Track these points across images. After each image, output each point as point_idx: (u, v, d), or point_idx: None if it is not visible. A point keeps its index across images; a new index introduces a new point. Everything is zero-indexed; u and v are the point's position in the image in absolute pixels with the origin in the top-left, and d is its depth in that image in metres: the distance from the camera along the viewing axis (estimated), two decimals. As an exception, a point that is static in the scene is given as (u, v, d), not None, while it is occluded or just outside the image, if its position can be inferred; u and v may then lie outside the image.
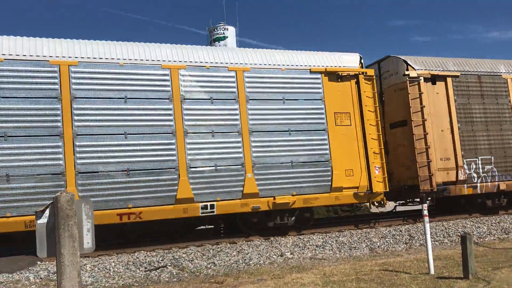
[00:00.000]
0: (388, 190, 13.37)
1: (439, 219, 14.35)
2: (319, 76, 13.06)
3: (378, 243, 11.72)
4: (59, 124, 10.66)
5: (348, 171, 12.98)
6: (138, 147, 11.18)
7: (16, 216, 10.14)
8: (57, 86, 10.79)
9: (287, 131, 12.53)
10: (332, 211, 19.43)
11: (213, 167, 11.70)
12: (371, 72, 13.70)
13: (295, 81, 12.85)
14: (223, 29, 47.98)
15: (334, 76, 13.21)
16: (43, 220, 3.69)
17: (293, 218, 12.62)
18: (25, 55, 10.71)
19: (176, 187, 11.32)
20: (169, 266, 9.82)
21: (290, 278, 8.22)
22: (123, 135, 11.10)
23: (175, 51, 12.10)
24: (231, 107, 12.14)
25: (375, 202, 13.21)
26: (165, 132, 11.46)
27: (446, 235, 12.41)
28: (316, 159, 12.70)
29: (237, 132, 12.08)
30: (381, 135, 13.51)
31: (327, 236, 12.29)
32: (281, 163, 12.33)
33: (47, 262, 10.02)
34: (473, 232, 12.73)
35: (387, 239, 12.04)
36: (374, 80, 13.75)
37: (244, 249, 11.10)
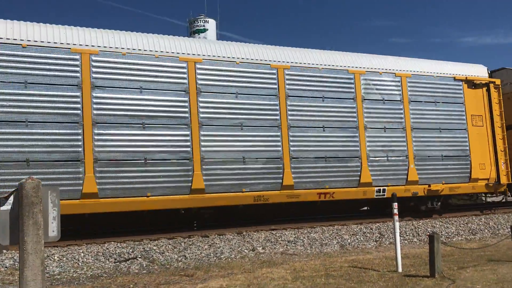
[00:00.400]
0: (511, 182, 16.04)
1: (409, 218, 14.61)
2: (460, 83, 15.73)
3: (348, 240, 11.85)
4: (278, 118, 12.93)
5: (481, 165, 15.62)
6: (333, 139, 13.60)
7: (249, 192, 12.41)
8: (275, 86, 13.12)
9: (438, 129, 15.10)
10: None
11: (385, 157, 14.16)
12: (498, 81, 16.43)
13: (444, 87, 15.48)
14: (203, 21, 47.68)
15: (471, 84, 15.91)
16: (7, 207, 3.59)
17: (439, 203, 15.25)
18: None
19: (359, 173, 13.75)
20: (139, 258, 9.74)
21: (260, 273, 8.25)
22: (322, 128, 13.45)
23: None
24: (397, 107, 14.61)
25: (499, 192, 16.13)
26: (351, 127, 13.88)
27: (415, 234, 12.63)
28: (459, 154, 15.31)
29: (402, 128, 14.56)
30: (505, 136, 16.12)
31: (299, 232, 12.37)
32: (434, 156, 14.89)
33: (14, 251, 9.82)
34: (441, 232, 13.00)
35: (357, 237, 12.19)
36: (500, 89, 16.34)
37: (216, 243, 11.08)
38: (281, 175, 12.80)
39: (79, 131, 10.93)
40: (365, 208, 16.20)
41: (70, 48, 11.15)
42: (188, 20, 48.90)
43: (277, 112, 12.93)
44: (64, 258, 9.49)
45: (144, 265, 9.33)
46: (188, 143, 11.92)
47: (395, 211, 8.21)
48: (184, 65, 12.13)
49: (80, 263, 9.32)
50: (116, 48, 11.61)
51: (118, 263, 9.41)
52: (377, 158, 14.01)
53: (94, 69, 11.28)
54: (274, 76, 13.05)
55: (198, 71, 12.26)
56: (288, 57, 13.46)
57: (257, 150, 12.60)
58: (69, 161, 10.79)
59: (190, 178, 11.83)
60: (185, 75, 12.11)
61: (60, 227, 3.88)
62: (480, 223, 14.15)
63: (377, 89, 14.38)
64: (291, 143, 12.95)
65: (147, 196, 11.39)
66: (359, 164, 13.74)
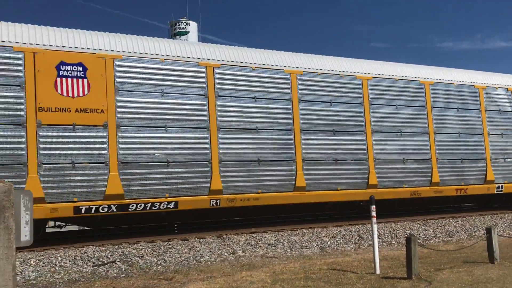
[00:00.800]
0: None
1: (387, 220, 14.76)
2: None
3: (328, 243, 11.92)
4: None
5: None
6: (467, 144, 16.40)
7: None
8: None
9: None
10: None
11: (503, 159, 16.91)
12: None
13: None
14: (185, 23, 47.50)
15: None
16: (-23, 211, 3.51)
17: None
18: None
19: (485, 172, 16.52)
20: (118, 261, 9.64)
21: (240, 276, 8.24)
22: (457, 135, 16.32)
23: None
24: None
25: None
26: (478, 133, 16.67)
27: (393, 237, 12.77)
28: None
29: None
30: None
31: (280, 235, 12.40)
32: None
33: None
34: (419, 234, 13.17)
35: (337, 239, 12.27)
36: None
37: (196, 246, 11.04)
38: (430, 174, 15.50)
39: (294, 136, 13.63)
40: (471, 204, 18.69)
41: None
42: (169, 23, 48.69)
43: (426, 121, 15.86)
44: (41, 263, 9.34)
45: (123, 268, 9.25)
46: (364, 146, 14.57)
47: (373, 213, 8.29)
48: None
49: (57, 268, 9.19)
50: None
51: (96, 267, 9.30)
52: (498, 160, 16.84)
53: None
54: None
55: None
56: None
57: (414, 153, 15.35)
58: (286, 161, 13.41)
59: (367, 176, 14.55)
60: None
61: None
62: (457, 225, 14.37)
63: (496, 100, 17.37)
64: (437, 147, 15.77)
65: (337, 190, 13.96)
66: (485, 164, 16.59)
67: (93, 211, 10.95)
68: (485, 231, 9.77)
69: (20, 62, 10.62)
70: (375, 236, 8.27)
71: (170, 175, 11.86)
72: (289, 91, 13.57)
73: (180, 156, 12.06)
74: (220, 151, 12.53)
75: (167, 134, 11.95)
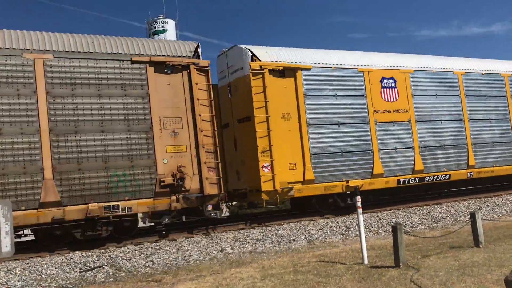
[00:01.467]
0: None
1: (374, 209, 14.87)
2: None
3: (316, 235, 11.97)
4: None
5: None
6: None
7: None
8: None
9: None
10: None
11: None
12: None
13: None
14: (162, 22, 47.08)
15: None
16: (-46, 224, 3.41)
17: None
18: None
19: None
20: (106, 266, 9.55)
21: (229, 273, 8.23)
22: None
23: None
24: None
25: None
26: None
27: (380, 226, 12.88)
28: None
29: None
30: None
31: (267, 230, 12.40)
32: None
33: (-28, 267, 9.45)
34: (405, 222, 13.30)
35: (324, 231, 12.33)
36: None
37: (184, 246, 10.99)
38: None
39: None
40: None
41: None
42: (147, 22, 48.23)
43: None
44: (27, 271, 9.20)
45: (111, 273, 9.16)
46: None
47: (358, 204, 8.34)
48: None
49: (43, 275, 9.06)
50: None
51: (83, 272, 9.19)
52: None
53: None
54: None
55: None
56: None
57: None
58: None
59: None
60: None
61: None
62: (442, 211, 14.55)
63: None
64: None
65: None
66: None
67: (406, 182, 15.18)
68: (469, 216, 9.91)
69: (361, 78, 14.92)
70: (362, 227, 8.33)
71: (449, 156, 16.07)
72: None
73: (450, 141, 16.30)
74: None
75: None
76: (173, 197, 11.62)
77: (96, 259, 10.00)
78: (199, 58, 12.53)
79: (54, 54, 11.02)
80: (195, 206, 12.06)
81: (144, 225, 13.74)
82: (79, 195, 10.80)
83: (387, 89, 15.21)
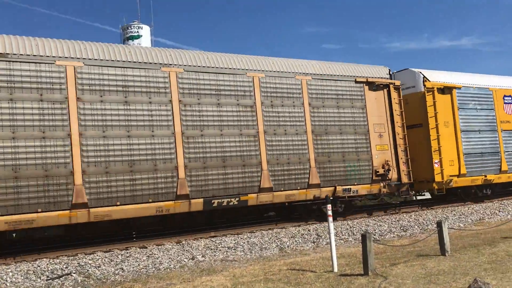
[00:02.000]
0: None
1: (345, 217, 15.07)
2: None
3: (287, 243, 12.04)
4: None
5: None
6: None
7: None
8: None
9: None
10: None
11: None
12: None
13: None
14: (137, 27, 46.68)
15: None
16: None
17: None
18: None
19: None
20: (74, 273, 9.38)
21: (200, 282, 8.20)
22: None
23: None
24: None
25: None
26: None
27: (350, 234, 13.05)
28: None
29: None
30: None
31: (239, 238, 12.41)
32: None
33: None
34: (375, 230, 13.52)
35: (296, 239, 12.41)
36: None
37: (155, 254, 10.89)
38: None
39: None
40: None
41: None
42: (121, 27, 47.71)
43: None
44: (-9, 279, 8.95)
45: (79, 280, 9.00)
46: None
47: (329, 212, 8.45)
48: None
49: (8, 283, 8.83)
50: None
51: (50, 280, 9.00)
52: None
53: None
54: None
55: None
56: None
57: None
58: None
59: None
60: None
61: None
62: (411, 220, 14.86)
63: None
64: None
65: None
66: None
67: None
68: (436, 225, 10.15)
69: (491, 95, 19.16)
70: (332, 235, 8.44)
71: None
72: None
73: None
74: None
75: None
76: (382, 184, 15.53)
77: (64, 266, 9.81)
78: (392, 79, 16.89)
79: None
80: (394, 191, 16.00)
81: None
82: (329, 180, 14.67)
83: (508, 104, 19.67)
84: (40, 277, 9.19)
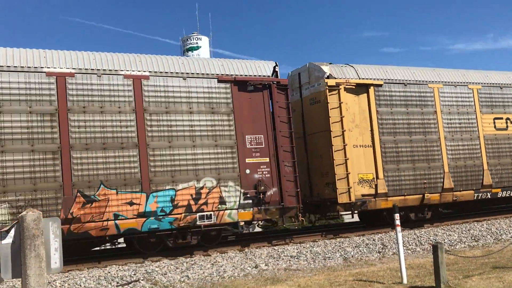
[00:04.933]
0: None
1: (411, 227, 14.54)
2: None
3: (351, 253, 11.78)
4: None
5: None
6: None
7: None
8: None
9: None
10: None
11: None
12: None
13: None
14: (196, 38, 47.87)
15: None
16: (8, 240, 3.53)
17: None
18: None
19: None
20: (142, 280, 9.63)
21: (265, 291, 8.17)
22: None
23: None
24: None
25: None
26: None
27: (418, 244, 12.57)
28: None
29: None
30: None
31: (302, 247, 12.29)
32: None
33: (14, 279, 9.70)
34: (444, 240, 12.94)
35: (360, 248, 12.11)
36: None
37: (219, 261, 10.99)
38: None
39: None
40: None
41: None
42: (181, 39, 49.11)
43: None
44: (66, 284, 9.38)
45: (147, 287, 9.23)
46: None
47: (397, 222, 8.18)
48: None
49: (82, 289, 9.21)
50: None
51: (120, 286, 9.30)
52: None
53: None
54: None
55: None
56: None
57: None
58: None
59: None
60: None
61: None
62: (482, 229, 14.10)
63: None
64: None
65: None
66: None
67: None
68: (512, 235, 9.56)
69: None
70: (400, 245, 8.15)
71: None
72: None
73: None
74: None
75: None
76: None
77: (133, 273, 10.11)
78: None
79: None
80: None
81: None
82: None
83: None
84: (110, 283, 9.51)
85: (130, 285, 9.37)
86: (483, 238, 13.17)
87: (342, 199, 13.51)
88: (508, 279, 7.80)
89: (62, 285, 9.32)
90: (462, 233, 13.66)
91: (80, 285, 9.35)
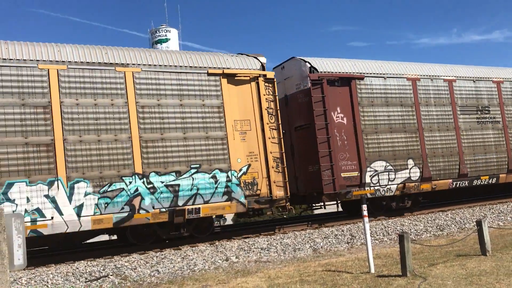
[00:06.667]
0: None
1: (379, 218, 14.84)
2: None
3: (321, 244, 11.94)
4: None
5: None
6: None
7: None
8: None
9: None
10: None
11: None
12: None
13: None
14: (165, 31, 47.25)
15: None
16: (-31, 237, 3.42)
17: None
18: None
19: None
20: (111, 275, 9.53)
21: (235, 283, 8.21)
22: None
23: None
24: None
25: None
26: None
27: (385, 234, 12.84)
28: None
29: None
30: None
31: (272, 239, 12.38)
32: None
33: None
34: (410, 230, 13.26)
35: (329, 239, 12.29)
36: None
37: (189, 255, 10.96)
38: None
39: None
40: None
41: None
42: (149, 31, 48.43)
43: None
44: (32, 281, 9.19)
45: (116, 282, 9.14)
46: None
47: (365, 212, 8.33)
48: None
49: (49, 285, 9.04)
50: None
51: (89, 282, 9.17)
52: None
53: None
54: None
55: None
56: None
57: None
58: None
59: None
60: None
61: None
62: (447, 218, 14.51)
63: None
64: None
65: None
66: None
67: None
68: (475, 223, 9.87)
69: None
70: (368, 236, 8.31)
71: None
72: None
73: None
74: None
75: None
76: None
77: (102, 268, 9.98)
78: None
79: None
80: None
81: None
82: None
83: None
84: (79, 279, 9.37)
85: (99, 280, 9.25)
86: (448, 227, 13.56)
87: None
88: (470, 266, 8.07)
89: (29, 282, 9.13)
90: (428, 222, 14.03)
91: (47, 282, 9.17)
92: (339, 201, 15.05)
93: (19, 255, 3.50)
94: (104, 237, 14.90)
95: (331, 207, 16.63)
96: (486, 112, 17.19)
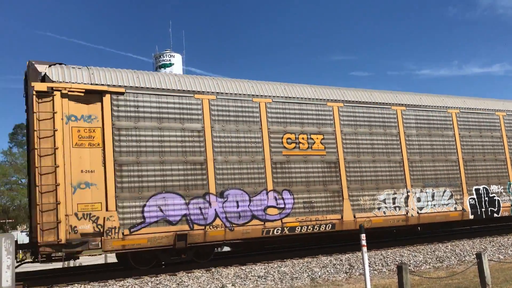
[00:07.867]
0: None
1: (378, 248, 14.65)
2: None
3: (319, 273, 11.76)
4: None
5: None
6: None
7: None
8: None
9: None
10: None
11: None
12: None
13: None
14: (169, 56, 47.74)
15: None
16: (-43, 257, 3.34)
17: None
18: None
19: None
20: (104, 300, 9.36)
21: (230, 311, 8.04)
22: None
23: None
24: None
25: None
26: None
27: (384, 264, 12.66)
28: None
29: None
30: None
31: (269, 266, 12.20)
32: None
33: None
34: (409, 261, 13.07)
35: (328, 269, 12.11)
36: None
37: (184, 281, 10.79)
38: None
39: None
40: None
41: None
42: (154, 55, 48.90)
43: None
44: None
45: (109, 308, 8.97)
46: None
47: (363, 242, 8.23)
48: None
49: (40, 309, 8.87)
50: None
51: (81, 307, 9.00)
52: None
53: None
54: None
55: None
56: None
57: None
58: None
59: None
60: None
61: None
62: (447, 250, 14.32)
63: None
64: None
65: None
66: None
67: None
68: (475, 256, 9.74)
69: None
70: (366, 266, 8.19)
71: None
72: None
73: None
74: None
75: None
76: None
77: (95, 293, 9.82)
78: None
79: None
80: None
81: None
82: None
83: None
84: (71, 304, 9.20)
85: (91, 305, 9.08)
86: (448, 259, 13.37)
87: None
88: (470, 300, 7.92)
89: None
90: (428, 254, 13.84)
91: (39, 306, 9.01)
92: None
93: (8, 277, 3.41)
94: (100, 260, 14.69)
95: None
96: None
